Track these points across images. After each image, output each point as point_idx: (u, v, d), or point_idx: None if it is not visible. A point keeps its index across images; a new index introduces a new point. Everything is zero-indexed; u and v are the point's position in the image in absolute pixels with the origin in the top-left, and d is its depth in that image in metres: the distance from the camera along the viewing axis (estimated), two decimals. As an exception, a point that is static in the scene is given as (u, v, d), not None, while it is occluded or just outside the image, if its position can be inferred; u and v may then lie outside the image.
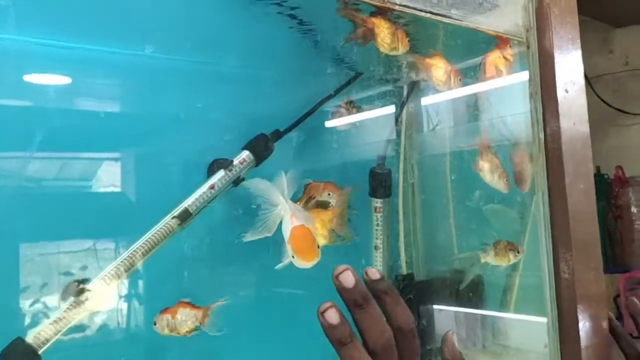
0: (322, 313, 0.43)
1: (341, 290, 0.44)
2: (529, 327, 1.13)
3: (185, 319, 0.87)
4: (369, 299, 0.44)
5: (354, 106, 1.11)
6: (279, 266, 0.80)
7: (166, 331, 0.86)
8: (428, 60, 1.02)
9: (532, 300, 1.09)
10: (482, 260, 1.09)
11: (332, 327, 0.43)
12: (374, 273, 0.45)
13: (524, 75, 1.09)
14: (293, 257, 0.72)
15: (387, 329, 0.45)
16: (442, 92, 1.23)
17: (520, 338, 1.14)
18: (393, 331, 0.45)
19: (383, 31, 0.96)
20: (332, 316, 0.43)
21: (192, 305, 0.89)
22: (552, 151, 1.09)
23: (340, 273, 0.43)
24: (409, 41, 0.97)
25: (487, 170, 1.12)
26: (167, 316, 0.87)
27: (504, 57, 1.04)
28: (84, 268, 0.99)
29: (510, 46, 1.02)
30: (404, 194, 1.22)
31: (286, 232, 0.77)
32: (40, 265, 0.94)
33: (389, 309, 0.45)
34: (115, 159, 1.05)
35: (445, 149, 1.27)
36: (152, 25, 1.04)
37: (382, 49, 0.94)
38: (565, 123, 1.09)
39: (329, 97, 1.15)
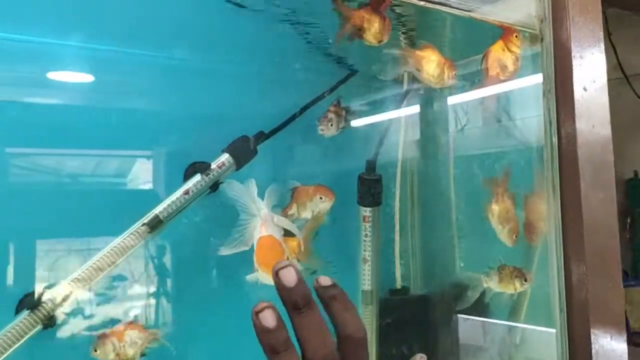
0: (257, 313, 0.36)
1: (280, 289, 0.37)
2: (538, 344, 1.03)
3: (134, 341, 0.78)
4: (312, 303, 0.38)
5: (344, 108, 1.01)
6: (249, 277, 0.71)
7: (111, 356, 0.77)
8: (419, 53, 0.91)
9: (541, 317, 0.99)
10: (485, 285, 0.99)
11: (265, 331, 0.36)
12: (325, 280, 0.40)
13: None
14: (257, 270, 0.64)
15: (329, 341, 0.38)
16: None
17: (530, 355, 1.04)
18: (341, 340, 0.39)
19: (373, 25, 0.88)
20: (268, 318, 0.36)
21: (140, 326, 0.81)
22: (566, 155, 0.98)
23: (281, 269, 0.37)
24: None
25: (498, 219, 1.01)
26: (113, 339, 0.78)
27: (509, 50, 0.92)
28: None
29: (516, 36, 0.91)
30: (402, 203, 1.12)
31: (254, 242, 0.69)
32: (71, 261, 0.92)
33: (338, 315, 0.39)
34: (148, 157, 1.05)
35: (450, 154, 1.16)
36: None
37: (368, 41, 0.86)
38: (582, 125, 0.98)
39: (319, 97, 1.06)
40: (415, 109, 1.18)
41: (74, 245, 0.98)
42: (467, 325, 1.11)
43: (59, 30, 0.95)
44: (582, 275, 0.98)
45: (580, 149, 0.98)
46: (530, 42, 1.02)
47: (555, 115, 0.99)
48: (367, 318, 1.02)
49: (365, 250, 0.98)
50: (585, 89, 0.99)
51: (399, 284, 1.11)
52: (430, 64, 0.90)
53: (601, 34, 1.03)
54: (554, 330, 0.99)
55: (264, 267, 0.64)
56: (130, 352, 0.77)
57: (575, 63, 0.98)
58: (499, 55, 0.92)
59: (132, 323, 0.82)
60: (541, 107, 1.01)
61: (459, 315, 1.10)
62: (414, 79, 1.07)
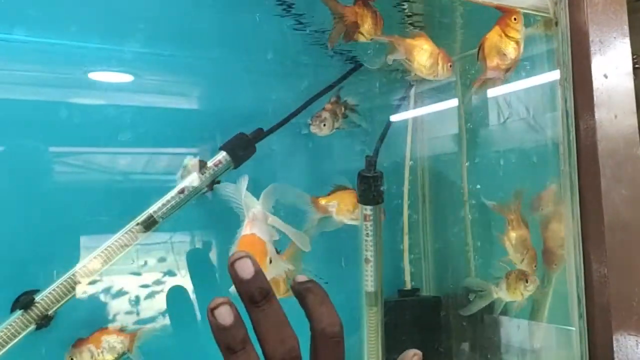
0: (212, 310, 0.34)
1: (236, 281, 0.35)
2: (558, 341, 0.97)
3: (112, 346, 0.76)
4: (271, 296, 0.35)
5: (343, 104, 0.96)
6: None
7: None
8: (410, 41, 0.85)
9: (562, 318, 0.93)
10: (495, 296, 0.93)
11: (221, 329, 0.34)
12: (302, 277, 0.38)
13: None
14: None
15: (290, 337, 0.35)
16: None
17: (548, 352, 0.98)
18: (316, 335, 0.36)
19: (366, 21, 0.83)
20: (224, 315, 0.34)
21: (117, 330, 0.79)
22: (585, 149, 0.91)
23: (237, 260, 0.35)
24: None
25: (515, 248, 0.95)
26: (90, 346, 0.76)
27: (507, 36, 0.83)
28: (162, 260, 0.99)
29: (515, 19, 0.83)
30: (413, 202, 1.07)
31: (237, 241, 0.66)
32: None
33: (312, 308, 0.36)
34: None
35: (463, 151, 1.10)
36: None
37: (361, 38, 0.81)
38: (602, 115, 0.91)
39: (320, 94, 1.02)
40: (428, 107, 1.12)
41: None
42: (511, 325, 1.05)
43: (99, 33, 0.97)
44: (603, 277, 0.91)
45: (601, 142, 0.90)
46: (545, 28, 0.95)
47: (572, 106, 0.92)
48: (372, 320, 0.97)
49: (367, 250, 0.93)
50: (605, 76, 0.91)
51: (408, 285, 1.06)
52: (422, 53, 0.84)
53: (624, 15, 0.95)
54: (573, 328, 0.93)
55: None
56: (109, 357, 0.76)
57: (594, 48, 0.91)
58: (497, 43, 0.84)
59: (107, 328, 0.80)
60: (557, 97, 0.94)
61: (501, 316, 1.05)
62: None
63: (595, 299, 0.91)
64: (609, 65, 0.92)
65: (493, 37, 0.84)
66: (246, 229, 0.66)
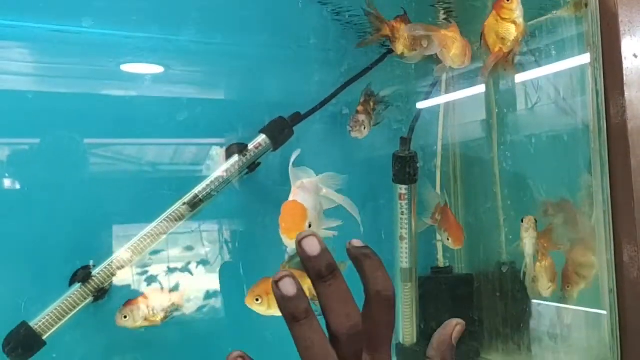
0: (277, 282, 0.36)
1: (304, 259, 0.37)
2: (588, 323, 0.98)
3: (162, 303, 0.81)
4: (336, 272, 0.37)
5: (373, 98, 0.98)
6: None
7: (139, 322, 0.81)
8: (445, 32, 0.86)
9: (591, 298, 0.94)
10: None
11: (286, 299, 0.36)
12: (358, 241, 0.40)
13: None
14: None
15: (355, 312, 0.37)
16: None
17: (579, 334, 0.99)
18: (371, 297, 0.38)
19: (403, 36, 0.87)
20: (288, 286, 0.36)
21: (166, 290, 0.84)
22: (615, 127, 0.93)
23: (304, 239, 0.37)
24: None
25: (541, 283, 0.98)
26: (141, 305, 0.82)
27: (502, 18, 0.82)
28: (190, 249, 1.01)
29: (508, 0, 0.81)
30: (444, 182, 1.10)
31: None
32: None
33: (369, 272, 0.38)
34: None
35: (493, 136, 1.12)
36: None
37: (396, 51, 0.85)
38: (632, 94, 0.93)
39: (356, 78, 1.05)
40: (463, 92, 1.15)
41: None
42: (526, 311, 1.07)
43: (131, 22, 1.00)
44: (634, 256, 0.93)
45: (631, 121, 0.92)
46: (575, 9, 0.97)
47: (602, 86, 0.94)
48: (407, 295, 1.01)
49: (402, 228, 0.97)
50: (635, 56, 0.93)
51: (441, 263, 1.09)
52: (456, 44, 0.87)
53: (655, -6, 0.96)
54: (605, 312, 0.95)
55: (283, 232, 0.65)
56: (160, 314, 0.80)
57: (624, 29, 0.93)
58: (495, 27, 0.84)
59: (156, 289, 0.85)
60: (588, 78, 0.96)
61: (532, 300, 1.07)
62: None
63: (626, 278, 0.93)
64: (638, 45, 0.94)
65: (491, 22, 0.84)
66: (290, 197, 0.70)
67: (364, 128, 0.97)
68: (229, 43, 1.09)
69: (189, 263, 1.01)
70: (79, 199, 0.96)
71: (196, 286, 0.99)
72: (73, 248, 0.94)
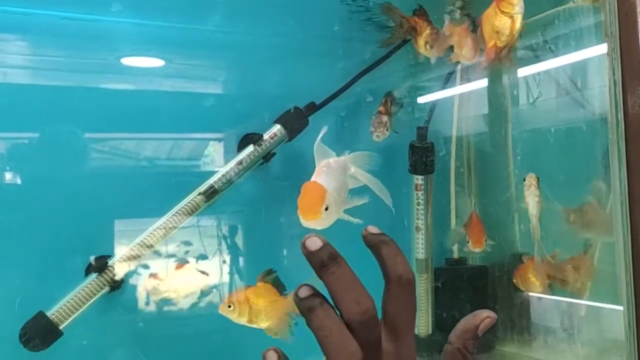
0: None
1: (307, 255, 0.37)
2: (602, 320, 0.98)
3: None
4: (340, 260, 0.37)
5: (390, 98, 0.98)
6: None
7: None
8: (459, 29, 0.85)
9: (607, 291, 0.94)
10: None
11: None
12: (374, 228, 0.39)
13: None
14: None
15: (365, 297, 0.36)
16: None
17: (593, 329, 0.99)
18: (392, 282, 0.38)
19: (424, 31, 0.86)
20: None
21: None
22: (632, 119, 0.92)
23: (307, 239, 0.37)
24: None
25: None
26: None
27: (501, 11, 0.80)
28: (188, 244, 1.01)
29: None
30: (459, 174, 1.09)
31: None
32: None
33: (388, 258, 0.38)
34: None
35: (507, 127, 1.12)
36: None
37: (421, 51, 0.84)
38: (650, 84, 0.92)
39: (371, 67, 1.05)
40: (475, 83, 1.15)
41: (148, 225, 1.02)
42: (540, 304, 1.07)
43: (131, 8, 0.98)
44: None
45: (649, 110, 0.92)
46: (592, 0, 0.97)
47: (620, 76, 0.94)
48: (423, 286, 1.01)
49: (418, 219, 0.96)
50: (653, 46, 0.93)
51: (456, 254, 1.09)
52: (468, 39, 0.87)
53: (673, -18, 0.96)
54: (621, 308, 0.94)
55: (300, 212, 0.64)
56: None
57: (642, 18, 0.92)
58: (492, 19, 0.81)
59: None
60: (605, 67, 0.96)
61: (530, 294, 1.07)
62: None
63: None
64: (657, 34, 0.93)
65: (490, 13, 0.83)
66: (313, 177, 0.69)
67: (387, 130, 0.97)
68: (237, 32, 1.09)
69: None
70: (84, 192, 0.96)
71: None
72: (76, 241, 0.94)
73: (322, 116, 1.01)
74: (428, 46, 0.95)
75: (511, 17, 0.83)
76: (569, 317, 1.05)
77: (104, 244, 0.96)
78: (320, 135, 0.68)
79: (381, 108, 1.00)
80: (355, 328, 0.36)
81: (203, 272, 0.99)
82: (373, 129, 0.98)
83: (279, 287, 0.87)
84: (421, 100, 1.15)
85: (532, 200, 0.94)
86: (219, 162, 1.06)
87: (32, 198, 0.93)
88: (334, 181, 0.66)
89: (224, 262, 1.03)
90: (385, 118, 0.98)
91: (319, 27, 1.11)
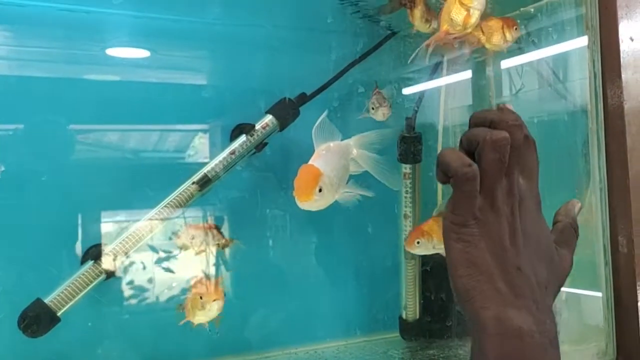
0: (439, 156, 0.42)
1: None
2: (581, 305, 1.02)
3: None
4: None
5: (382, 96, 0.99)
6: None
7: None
8: (487, 24, 0.88)
9: (586, 277, 0.98)
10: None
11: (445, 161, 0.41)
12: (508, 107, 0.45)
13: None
14: None
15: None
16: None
17: (573, 315, 1.03)
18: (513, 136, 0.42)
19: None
20: (449, 152, 0.42)
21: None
22: (611, 108, 0.96)
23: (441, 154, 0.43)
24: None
25: None
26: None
27: (461, 3, 0.80)
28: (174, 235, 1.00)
29: None
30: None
31: None
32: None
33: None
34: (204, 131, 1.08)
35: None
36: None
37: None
38: (629, 76, 0.96)
39: (359, 59, 1.07)
40: (463, 74, 1.17)
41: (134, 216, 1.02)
42: None
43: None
44: (629, 234, 0.96)
45: (627, 102, 0.96)
46: (574, -7, 1.00)
47: (600, 68, 0.97)
48: (411, 272, 1.04)
49: (406, 207, 1.00)
50: (632, 39, 0.96)
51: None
52: (490, 34, 0.89)
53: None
54: (600, 294, 0.98)
55: (295, 192, 0.68)
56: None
57: (621, 13, 0.96)
58: (451, 6, 0.82)
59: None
60: (586, 59, 0.99)
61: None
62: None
63: (621, 255, 0.97)
64: (635, 28, 0.97)
65: (451, 1, 0.84)
66: (311, 160, 0.72)
67: (390, 107, 0.96)
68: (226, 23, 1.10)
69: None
70: (70, 183, 0.97)
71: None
72: (62, 232, 0.96)
73: (315, 107, 1.03)
74: (424, 19, 0.95)
75: (467, 10, 0.84)
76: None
77: (91, 234, 0.97)
78: (320, 120, 0.71)
79: (372, 97, 1.01)
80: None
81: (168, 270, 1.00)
82: (376, 106, 0.96)
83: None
84: (406, 91, 1.17)
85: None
86: (214, 152, 1.06)
87: (17, 189, 0.93)
88: (332, 164, 0.69)
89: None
90: (380, 97, 0.97)
91: (310, 19, 1.13)
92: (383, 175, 0.77)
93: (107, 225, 1.00)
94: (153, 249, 0.97)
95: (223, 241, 0.94)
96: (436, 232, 0.88)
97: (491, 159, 0.40)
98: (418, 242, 0.87)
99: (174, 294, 1.01)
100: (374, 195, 0.79)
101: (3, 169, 0.89)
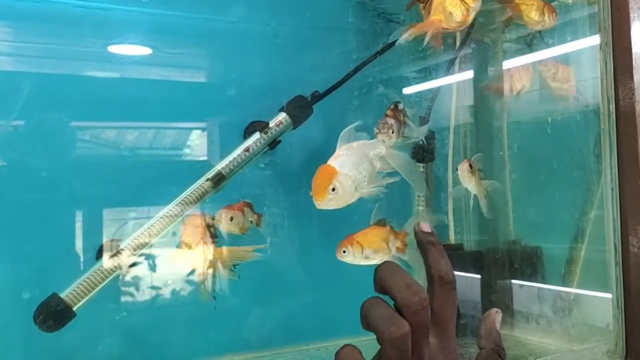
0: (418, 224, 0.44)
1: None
2: (592, 304, 1.03)
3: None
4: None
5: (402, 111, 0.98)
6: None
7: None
8: (517, 1, 0.90)
9: (597, 276, 0.99)
10: None
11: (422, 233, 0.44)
12: (426, 226, 0.45)
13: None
14: None
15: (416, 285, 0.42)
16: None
17: (583, 315, 1.03)
18: (434, 281, 0.43)
19: None
20: (424, 226, 0.44)
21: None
22: (623, 110, 0.97)
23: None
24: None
25: None
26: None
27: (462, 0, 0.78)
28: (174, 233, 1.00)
29: None
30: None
31: None
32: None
33: (433, 259, 0.43)
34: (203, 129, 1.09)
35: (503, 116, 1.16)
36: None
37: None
38: (641, 78, 0.97)
39: (373, 57, 1.08)
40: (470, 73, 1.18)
41: (134, 214, 1.03)
42: (523, 292, 1.11)
43: None
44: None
45: (639, 103, 0.96)
46: (587, -5, 1.01)
47: (612, 69, 0.98)
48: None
49: (419, 205, 1.00)
50: (644, 41, 0.97)
51: (452, 240, 1.13)
52: (530, 8, 0.90)
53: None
54: (610, 295, 0.98)
55: (311, 191, 0.69)
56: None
57: (634, 15, 0.97)
58: (444, 2, 0.78)
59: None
60: (598, 61, 1.00)
61: (513, 282, 1.11)
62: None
63: (632, 255, 0.97)
64: (649, 29, 0.98)
65: None
66: (329, 160, 0.73)
67: (392, 132, 0.94)
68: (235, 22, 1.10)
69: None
70: (72, 180, 0.96)
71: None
72: (64, 228, 0.96)
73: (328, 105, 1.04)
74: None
75: (467, 9, 0.81)
76: (561, 301, 1.09)
77: (94, 231, 0.97)
78: (352, 126, 0.72)
79: (388, 112, 1.00)
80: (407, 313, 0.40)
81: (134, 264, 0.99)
82: (377, 130, 0.96)
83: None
84: (406, 91, 1.18)
85: (469, 185, 0.97)
86: (223, 151, 1.07)
87: (18, 185, 0.93)
88: (350, 163, 0.69)
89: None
90: (391, 121, 0.96)
91: (319, 18, 1.13)
92: (411, 176, 0.77)
93: (122, 222, 1.00)
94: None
95: (256, 217, 0.97)
96: (369, 243, 0.78)
97: (391, 356, 0.39)
98: (344, 252, 0.77)
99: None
100: (390, 192, 0.79)
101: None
